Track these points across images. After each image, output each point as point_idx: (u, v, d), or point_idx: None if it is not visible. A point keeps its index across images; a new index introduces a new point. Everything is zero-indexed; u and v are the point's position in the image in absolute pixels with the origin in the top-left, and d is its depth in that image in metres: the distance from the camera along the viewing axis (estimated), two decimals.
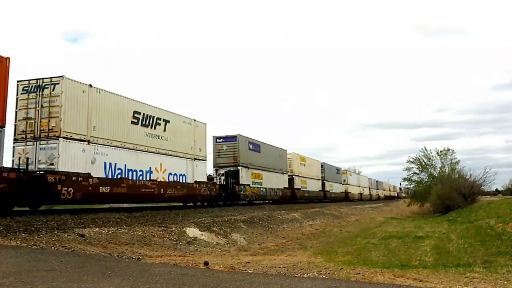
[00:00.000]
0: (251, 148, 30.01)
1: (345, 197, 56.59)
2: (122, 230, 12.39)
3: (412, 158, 54.29)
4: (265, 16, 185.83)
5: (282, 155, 36.66)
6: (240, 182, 27.74)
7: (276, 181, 34.10)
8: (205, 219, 17.25)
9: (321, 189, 46.72)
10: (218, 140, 28.66)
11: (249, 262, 10.04)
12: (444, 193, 40.47)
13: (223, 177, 27.14)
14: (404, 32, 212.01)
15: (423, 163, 53.15)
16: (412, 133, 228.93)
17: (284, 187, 35.75)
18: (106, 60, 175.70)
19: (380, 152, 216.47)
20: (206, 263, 8.98)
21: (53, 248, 9.02)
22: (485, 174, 43.62)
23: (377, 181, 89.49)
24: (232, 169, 27.85)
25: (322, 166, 48.35)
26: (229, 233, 16.30)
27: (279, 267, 9.06)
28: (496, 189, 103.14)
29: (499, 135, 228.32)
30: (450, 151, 52.35)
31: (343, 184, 57.55)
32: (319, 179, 46.51)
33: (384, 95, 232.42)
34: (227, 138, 28.53)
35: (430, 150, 53.66)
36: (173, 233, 13.72)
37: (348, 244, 16.83)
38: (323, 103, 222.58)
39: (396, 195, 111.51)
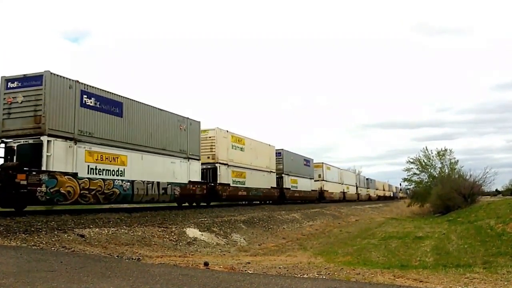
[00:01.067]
0: (88, 104, 15.39)
1: (319, 197, 44.39)
2: (122, 230, 12.39)
3: (412, 158, 54.40)
4: (265, 16, 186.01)
5: (184, 126, 21.27)
6: (45, 168, 13.46)
7: (160, 170, 18.97)
8: (205, 219, 17.25)
9: (275, 185, 32.97)
10: (9, 83, 14.32)
11: (249, 263, 10.04)
12: (444, 193, 40.52)
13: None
14: (404, 32, 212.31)
15: (423, 164, 53.25)
16: (413, 133, 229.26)
17: (190, 181, 21.07)
18: (107, 59, 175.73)
19: (380, 152, 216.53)
20: (206, 264, 8.97)
21: (53, 248, 9.01)
22: (485, 175, 43.76)
23: (367, 178, 76.44)
24: (30, 141, 13.83)
25: (279, 154, 34.93)
26: (229, 234, 16.30)
27: (279, 268, 9.06)
28: (496, 190, 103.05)
29: (500, 135, 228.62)
30: (448, 151, 52.50)
31: (316, 181, 44.36)
32: (271, 172, 32.31)
33: (385, 95, 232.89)
34: (25, 81, 14.15)
35: (430, 150, 53.77)
36: (173, 234, 13.72)
37: (348, 245, 16.83)
38: (323, 103, 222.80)
39: (392, 195, 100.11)
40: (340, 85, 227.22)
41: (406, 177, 56.06)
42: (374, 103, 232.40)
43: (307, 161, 42.37)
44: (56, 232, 10.52)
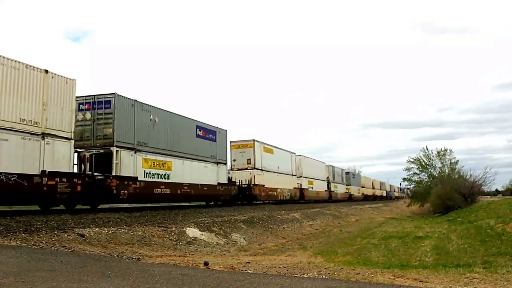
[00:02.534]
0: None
1: (244, 195, 28.47)
2: (122, 230, 12.39)
3: (412, 158, 54.36)
4: (267, 14, 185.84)
5: None
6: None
7: None
8: (205, 219, 17.25)
9: (72, 169, 15.29)
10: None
11: (249, 262, 10.04)
12: (444, 193, 40.51)
13: None
14: (406, 31, 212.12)
15: (423, 163, 53.23)
16: (414, 132, 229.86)
17: None
18: (108, 59, 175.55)
19: (381, 152, 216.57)
20: (206, 263, 8.98)
21: (53, 248, 9.01)
22: (485, 174, 43.73)
23: (347, 172, 60.47)
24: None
25: (106, 104, 17.53)
26: (229, 233, 16.30)
27: (279, 267, 9.05)
28: (496, 189, 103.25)
29: (501, 134, 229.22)
30: (449, 151, 52.49)
31: (240, 169, 29.50)
32: (57, 139, 14.54)
33: (386, 94, 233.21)
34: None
35: (431, 150, 53.78)
36: (173, 233, 13.72)
37: (348, 244, 16.82)
38: (324, 103, 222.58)
39: (384, 194, 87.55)
40: (341, 84, 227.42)
41: (406, 177, 56.09)
42: (375, 103, 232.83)
43: (209, 133, 24.36)
44: (56, 232, 10.52)
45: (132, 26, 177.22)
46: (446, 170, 51.27)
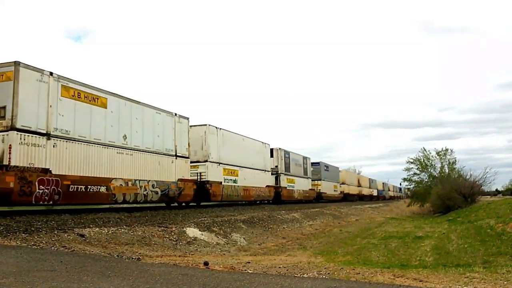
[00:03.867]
0: None
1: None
2: (122, 230, 12.39)
3: (412, 158, 54.36)
4: (266, 13, 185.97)
5: None
6: None
7: None
8: (205, 219, 17.25)
9: None
10: None
11: (249, 262, 10.03)
12: (444, 193, 40.52)
13: None
14: (406, 31, 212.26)
15: (423, 164, 53.24)
16: (415, 132, 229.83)
17: None
18: (109, 58, 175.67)
19: (381, 152, 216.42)
20: (206, 263, 8.97)
21: (53, 248, 9.01)
22: (485, 174, 43.77)
23: (315, 163, 45.66)
24: None
25: None
26: (229, 233, 16.30)
27: (279, 267, 9.05)
28: (496, 189, 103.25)
29: (503, 134, 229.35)
30: (449, 151, 52.52)
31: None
32: None
33: (386, 94, 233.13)
34: None
35: (429, 151, 53.85)
36: (173, 233, 13.72)
37: (348, 244, 16.83)
38: (324, 103, 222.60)
39: (375, 193, 75.85)
40: (341, 84, 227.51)
41: (406, 177, 56.10)
42: (375, 103, 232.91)
43: None
44: (56, 232, 10.52)
45: (132, 26, 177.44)
46: (446, 170, 51.33)
